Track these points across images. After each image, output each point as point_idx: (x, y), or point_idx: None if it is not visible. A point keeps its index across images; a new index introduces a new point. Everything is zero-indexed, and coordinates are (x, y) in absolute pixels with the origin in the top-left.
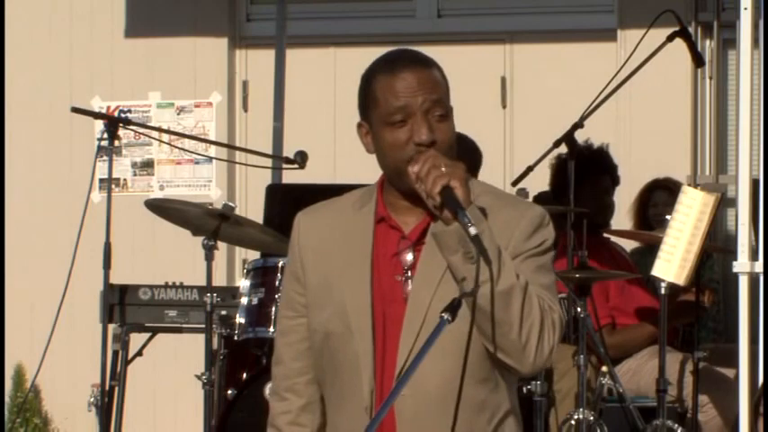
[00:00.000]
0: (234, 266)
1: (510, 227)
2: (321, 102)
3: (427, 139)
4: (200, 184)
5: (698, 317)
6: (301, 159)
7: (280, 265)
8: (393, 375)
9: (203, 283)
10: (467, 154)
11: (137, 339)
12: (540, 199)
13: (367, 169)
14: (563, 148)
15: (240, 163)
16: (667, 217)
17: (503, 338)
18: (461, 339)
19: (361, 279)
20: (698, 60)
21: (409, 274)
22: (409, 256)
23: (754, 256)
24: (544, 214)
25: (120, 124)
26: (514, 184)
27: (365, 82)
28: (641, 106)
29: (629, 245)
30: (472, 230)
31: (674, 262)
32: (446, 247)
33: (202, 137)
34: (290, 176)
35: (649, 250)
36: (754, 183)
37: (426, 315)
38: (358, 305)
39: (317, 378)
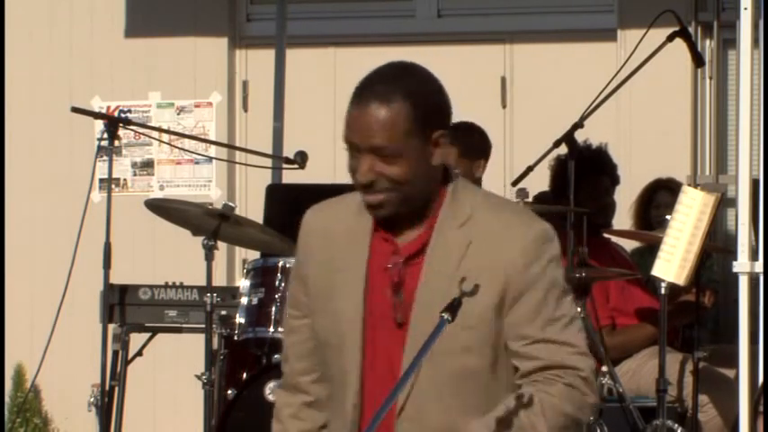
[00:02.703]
0: (234, 266)
1: (503, 256)
2: (321, 102)
3: (361, 181)
4: (200, 184)
5: (698, 317)
6: (301, 159)
7: (280, 265)
8: (378, 394)
9: (203, 283)
10: (482, 145)
11: (137, 339)
12: (540, 199)
13: None
14: (563, 149)
15: (240, 163)
16: (667, 217)
17: None
18: (462, 376)
19: (355, 291)
20: (698, 60)
21: (398, 291)
22: (398, 274)
23: (754, 256)
24: (542, 234)
25: (120, 124)
26: (514, 184)
27: None
28: (641, 106)
29: (629, 245)
30: None
31: (674, 262)
32: None
33: (202, 137)
34: (290, 176)
35: (649, 250)
36: (754, 183)
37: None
38: (350, 319)
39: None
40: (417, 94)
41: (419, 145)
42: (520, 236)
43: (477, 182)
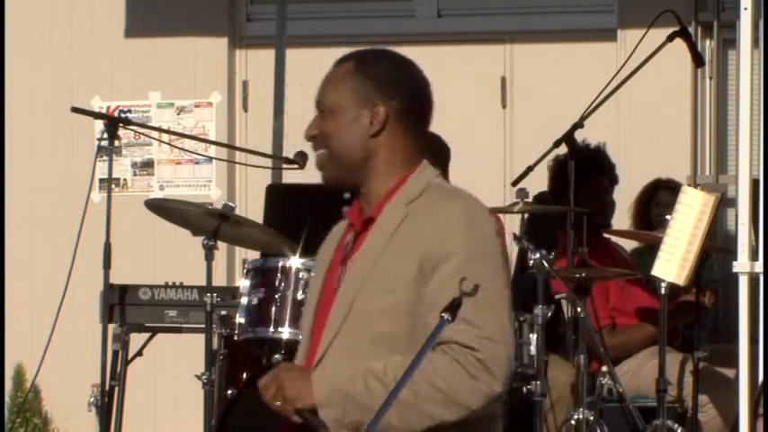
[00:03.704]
0: (234, 266)
1: (425, 228)
2: None
3: (305, 135)
4: (200, 184)
5: (698, 317)
6: (301, 159)
7: (280, 265)
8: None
9: (203, 283)
10: (436, 150)
11: (137, 339)
12: (540, 199)
13: None
14: (562, 149)
15: (240, 163)
16: (667, 217)
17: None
18: (378, 340)
19: (319, 278)
20: (698, 60)
21: (344, 264)
22: (349, 245)
23: (754, 256)
24: (464, 211)
25: (120, 124)
26: (514, 184)
27: None
28: (641, 106)
29: (629, 245)
30: None
31: (674, 262)
32: None
33: (202, 137)
34: (290, 176)
35: (649, 250)
36: (754, 183)
37: (352, 306)
38: (310, 304)
39: None
40: (369, 65)
41: (355, 107)
42: (443, 210)
43: None
